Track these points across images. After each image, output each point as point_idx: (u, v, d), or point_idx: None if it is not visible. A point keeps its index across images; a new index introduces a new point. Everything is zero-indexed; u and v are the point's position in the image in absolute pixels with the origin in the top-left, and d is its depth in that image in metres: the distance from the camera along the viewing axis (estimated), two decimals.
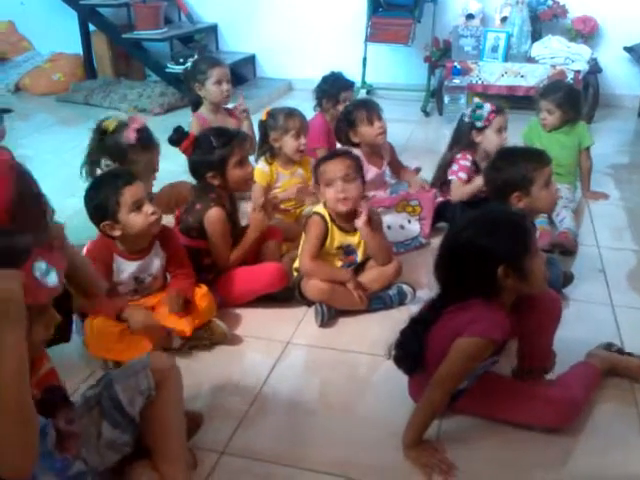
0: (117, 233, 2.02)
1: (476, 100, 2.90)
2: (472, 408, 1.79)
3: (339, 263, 2.36)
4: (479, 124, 2.80)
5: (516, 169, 2.09)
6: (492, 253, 1.55)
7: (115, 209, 1.97)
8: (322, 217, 2.29)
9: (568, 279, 2.43)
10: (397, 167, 3.15)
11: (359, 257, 2.37)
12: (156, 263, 2.15)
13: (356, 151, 2.89)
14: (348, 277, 2.28)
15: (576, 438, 1.74)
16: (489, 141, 2.81)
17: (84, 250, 2.06)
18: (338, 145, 3.14)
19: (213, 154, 2.31)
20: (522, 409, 1.73)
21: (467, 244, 1.59)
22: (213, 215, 2.28)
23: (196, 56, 3.65)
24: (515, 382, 1.84)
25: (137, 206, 1.98)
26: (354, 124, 2.89)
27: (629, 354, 1.98)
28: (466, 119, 2.86)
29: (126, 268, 2.08)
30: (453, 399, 1.72)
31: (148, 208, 2.00)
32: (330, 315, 2.26)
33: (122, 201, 1.97)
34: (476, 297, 1.60)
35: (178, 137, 2.38)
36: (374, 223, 2.31)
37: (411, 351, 1.74)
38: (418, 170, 3.18)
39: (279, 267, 2.36)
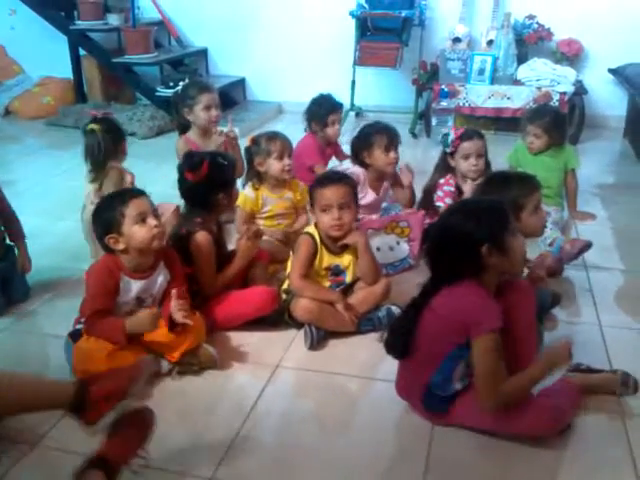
0: (121, 246, 2.03)
1: (450, 130, 2.95)
2: (463, 418, 1.81)
3: (327, 284, 2.37)
4: (447, 150, 2.87)
5: (507, 194, 2.10)
6: (475, 234, 1.70)
7: (120, 220, 2.00)
8: (312, 237, 2.31)
9: (556, 299, 2.44)
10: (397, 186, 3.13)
11: (348, 278, 2.38)
12: (159, 283, 2.15)
13: (360, 170, 2.92)
14: (336, 297, 2.29)
15: (564, 456, 1.75)
16: (459, 166, 2.87)
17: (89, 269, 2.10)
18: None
19: (223, 175, 2.39)
20: (510, 417, 1.74)
21: (453, 228, 1.75)
22: (199, 239, 2.28)
23: (187, 80, 3.68)
24: None
25: (141, 218, 2.01)
26: (371, 146, 2.90)
27: (599, 371, 2.01)
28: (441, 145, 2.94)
29: (132, 287, 2.08)
30: (448, 402, 1.80)
31: (152, 221, 2.02)
32: (319, 337, 2.26)
33: (127, 212, 2.00)
34: (464, 278, 1.72)
35: (196, 165, 2.37)
36: (362, 242, 2.33)
37: (401, 334, 1.80)
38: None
39: (269, 291, 2.36)
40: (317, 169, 3.28)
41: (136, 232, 2.01)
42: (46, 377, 1.61)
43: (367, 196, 2.96)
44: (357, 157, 2.96)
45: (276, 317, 2.36)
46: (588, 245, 2.69)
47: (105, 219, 2.05)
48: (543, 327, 2.26)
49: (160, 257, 2.14)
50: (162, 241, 2.09)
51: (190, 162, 2.40)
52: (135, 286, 2.09)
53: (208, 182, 2.36)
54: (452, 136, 2.85)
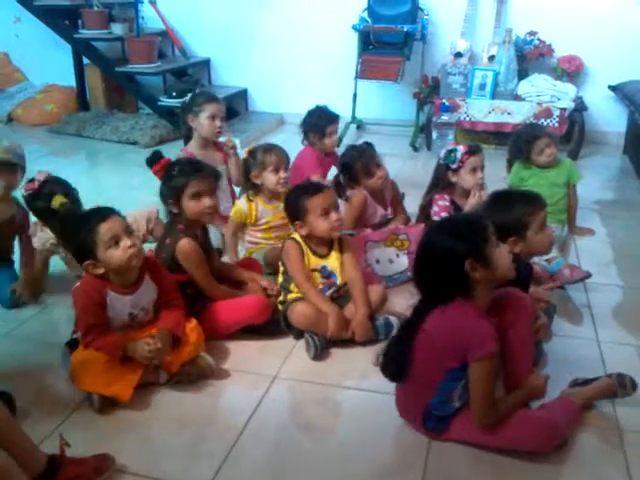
0: (100, 271, 2.00)
1: (451, 145, 2.96)
2: (461, 434, 1.81)
3: (320, 286, 2.39)
4: (453, 166, 2.87)
5: (511, 214, 2.11)
6: (456, 251, 1.69)
7: (93, 247, 1.96)
8: (297, 242, 2.35)
9: (552, 310, 2.44)
10: (395, 205, 3.15)
11: (339, 279, 2.40)
12: (148, 296, 2.13)
13: (363, 191, 2.94)
14: (332, 310, 2.29)
15: (560, 471, 1.75)
16: (464, 181, 2.88)
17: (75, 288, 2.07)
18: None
19: (172, 181, 2.34)
20: (508, 432, 1.75)
21: (433, 248, 1.75)
22: (183, 246, 2.28)
23: (197, 90, 3.73)
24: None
25: (114, 241, 1.97)
26: (356, 178, 2.95)
27: (594, 379, 2.00)
28: (441, 161, 2.94)
29: (120, 303, 2.06)
30: (444, 423, 1.80)
31: (126, 241, 1.98)
32: (322, 346, 2.26)
33: (98, 239, 1.95)
34: (454, 297, 1.71)
35: (152, 160, 2.41)
36: (348, 245, 2.41)
37: (396, 357, 1.80)
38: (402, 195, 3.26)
39: (262, 299, 2.37)
40: (313, 179, 3.28)
41: (112, 256, 1.97)
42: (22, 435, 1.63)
43: (378, 213, 2.99)
44: (351, 181, 2.98)
45: (273, 327, 2.37)
46: (587, 276, 2.69)
47: (78, 247, 2.01)
48: (542, 343, 2.27)
49: (144, 270, 2.11)
50: (140, 259, 2.04)
51: (148, 157, 2.42)
52: (123, 302, 2.06)
53: (161, 185, 2.38)
54: (461, 151, 2.86)
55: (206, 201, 2.34)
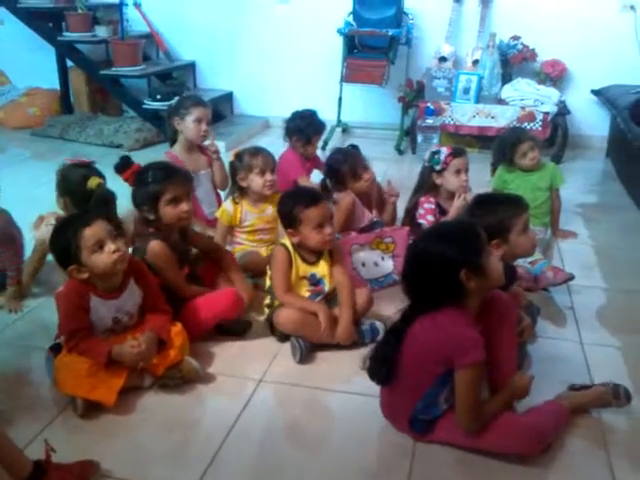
0: (85, 276, 1.99)
1: (435, 148, 2.98)
2: (447, 436, 1.81)
3: (307, 293, 2.38)
4: (437, 167, 2.89)
5: (493, 217, 2.12)
6: (452, 260, 1.68)
7: (77, 252, 1.94)
8: (286, 248, 2.34)
9: (536, 312, 2.46)
10: (380, 206, 3.16)
11: (327, 286, 2.39)
12: (132, 300, 2.12)
13: (351, 195, 2.93)
14: (320, 308, 2.29)
15: (544, 472, 1.75)
16: (449, 182, 2.90)
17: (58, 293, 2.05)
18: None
19: (147, 188, 2.32)
20: (493, 435, 1.75)
21: (428, 256, 1.73)
22: (152, 248, 2.27)
23: (185, 94, 3.75)
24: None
25: (99, 246, 1.95)
26: (343, 180, 2.95)
27: (590, 386, 2.02)
28: (425, 163, 2.96)
29: (103, 307, 2.05)
30: (430, 425, 1.80)
31: (111, 246, 1.97)
32: (307, 349, 2.26)
33: (82, 244, 1.94)
34: (444, 304, 1.71)
35: (122, 165, 2.40)
36: (337, 252, 2.40)
37: (383, 361, 1.80)
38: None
39: (235, 292, 2.38)
40: (300, 180, 3.30)
41: (96, 261, 1.96)
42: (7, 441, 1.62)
43: (365, 217, 2.99)
44: (338, 184, 2.98)
45: (242, 326, 2.39)
46: (571, 278, 2.71)
47: (62, 252, 1.99)
48: (527, 345, 2.28)
49: (129, 274, 2.10)
50: (125, 263, 2.03)
51: (117, 163, 2.40)
52: (107, 306, 2.05)
53: (134, 191, 2.36)
54: (445, 153, 2.88)
55: (183, 206, 2.34)
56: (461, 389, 1.72)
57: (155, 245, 2.28)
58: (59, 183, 2.55)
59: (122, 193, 2.48)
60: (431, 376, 1.74)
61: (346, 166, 2.94)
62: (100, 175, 2.50)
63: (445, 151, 2.89)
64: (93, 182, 2.43)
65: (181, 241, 2.44)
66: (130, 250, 2.26)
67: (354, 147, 3.10)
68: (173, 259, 2.33)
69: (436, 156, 2.89)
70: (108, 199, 2.45)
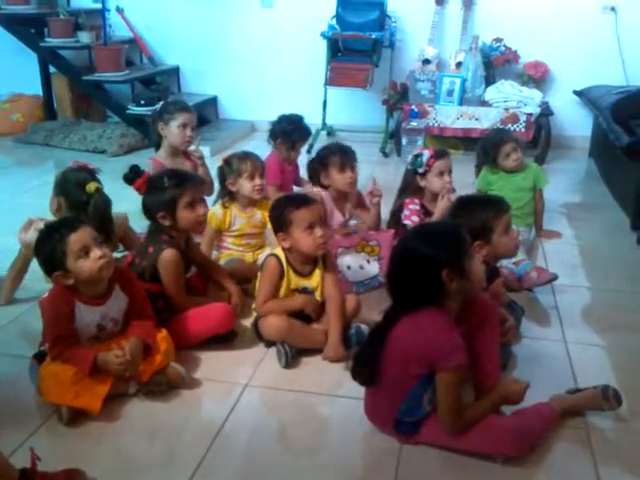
0: (70, 282, 1.97)
1: (418, 150, 3.00)
2: (432, 437, 1.82)
3: None
4: (420, 170, 2.90)
5: (476, 218, 2.14)
6: (435, 260, 1.70)
7: (62, 258, 1.93)
8: (278, 259, 2.31)
9: (521, 312, 2.47)
10: (361, 208, 3.16)
11: (317, 297, 2.38)
12: (117, 307, 2.11)
13: (323, 192, 2.95)
14: (301, 301, 2.30)
15: (529, 471, 1.76)
16: (432, 184, 2.91)
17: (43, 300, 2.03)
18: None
19: (164, 194, 2.32)
20: (478, 437, 1.76)
21: (411, 255, 1.74)
22: (166, 257, 2.27)
23: (170, 98, 3.75)
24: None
25: (84, 252, 1.94)
26: (326, 167, 2.95)
27: (584, 389, 2.02)
28: (409, 166, 2.97)
29: (88, 314, 2.03)
30: (415, 427, 1.81)
31: (96, 252, 1.96)
32: (292, 354, 2.25)
33: (68, 249, 1.93)
34: (425, 305, 1.72)
35: (133, 175, 2.39)
36: (331, 264, 2.37)
37: (367, 362, 1.80)
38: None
39: (227, 308, 2.36)
40: (270, 190, 3.26)
41: (81, 267, 1.95)
42: None
43: (334, 218, 2.99)
44: (315, 179, 3.01)
45: (231, 334, 2.37)
46: (554, 278, 2.73)
47: (47, 258, 1.98)
48: (511, 345, 2.29)
49: (114, 281, 2.09)
50: (110, 269, 2.02)
51: (127, 173, 2.39)
52: (92, 313, 2.04)
53: (149, 198, 2.36)
54: (427, 155, 2.89)
55: (200, 209, 2.38)
56: (443, 392, 1.72)
57: (170, 254, 2.27)
58: (57, 182, 2.55)
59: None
60: (413, 378, 1.74)
61: (337, 156, 2.93)
62: (100, 183, 2.49)
63: (427, 154, 2.91)
64: (92, 187, 2.42)
65: (186, 252, 2.43)
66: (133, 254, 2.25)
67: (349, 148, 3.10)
68: (183, 271, 2.34)
69: (418, 159, 2.91)
70: (106, 206, 2.45)
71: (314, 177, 3.02)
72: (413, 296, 1.74)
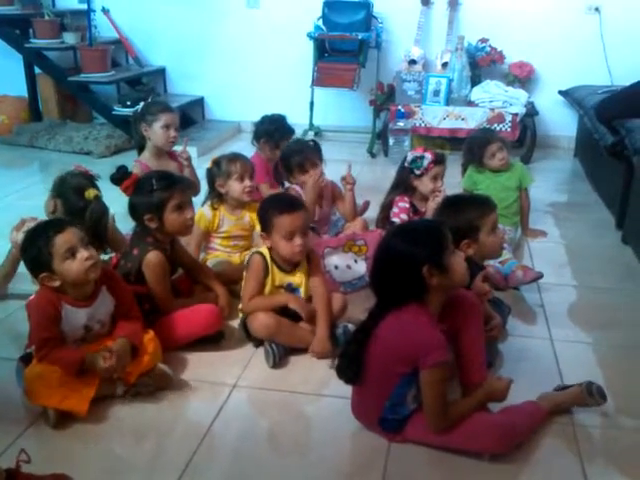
0: (57, 283, 1.96)
1: (419, 152, 3.00)
2: (418, 434, 1.82)
3: None
4: (417, 172, 2.93)
5: (463, 217, 2.17)
6: (415, 256, 1.72)
7: (49, 260, 1.92)
8: (263, 256, 2.32)
9: (507, 310, 2.49)
10: (336, 200, 3.19)
11: (302, 294, 2.39)
12: (104, 309, 2.10)
13: (298, 188, 2.99)
14: (287, 297, 2.30)
15: (516, 468, 1.78)
16: (424, 186, 2.95)
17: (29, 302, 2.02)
18: None
19: (152, 196, 2.32)
20: (464, 434, 1.77)
21: (392, 252, 1.77)
22: (151, 259, 2.26)
23: (150, 99, 3.73)
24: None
25: (71, 253, 1.93)
26: (291, 171, 3.02)
27: (571, 386, 2.03)
28: (406, 164, 2.98)
29: (75, 316, 2.02)
30: (401, 424, 1.82)
31: (83, 253, 1.94)
32: (281, 354, 2.25)
33: (54, 251, 1.92)
34: (408, 301, 1.74)
35: (120, 176, 2.38)
36: (315, 261, 2.39)
37: (352, 360, 1.81)
38: (367, 203, 3.37)
39: (214, 309, 2.36)
40: (262, 187, 3.28)
41: (68, 268, 1.93)
42: None
43: (315, 213, 3.01)
44: (291, 177, 3.07)
45: (219, 336, 2.37)
46: (540, 277, 2.75)
47: (33, 259, 1.97)
48: (497, 343, 2.31)
49: (101, 283, 2.08)
50: (97, 271, 2.01)
51: (114, 173, 2.38)
52: (79, 315, 2.03)
53: (136, 200, 2.35)
54: (428, 159, 2.91)
55: (188, 212, 2.37)
56: (427, 389, 1.73)
57: (155, 256, 2.27)
58: (56, 184, 2.53)
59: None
60: (397, 375, 1.75)
61: (297, 157, 3.00)
62: (99, 191, 2.48)
63: (429, 158, 2.93)
64: (91, 193, 2.41)
65: (171, 254, 2.43)
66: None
67: (314, 142, 3.16)
68: (168, 272, 2.34)
69: (419, 161, 2.92)
70: (102, 214, 2.44)
71: (284, 180, 3.08)
72: (395, 292, 1.76)
